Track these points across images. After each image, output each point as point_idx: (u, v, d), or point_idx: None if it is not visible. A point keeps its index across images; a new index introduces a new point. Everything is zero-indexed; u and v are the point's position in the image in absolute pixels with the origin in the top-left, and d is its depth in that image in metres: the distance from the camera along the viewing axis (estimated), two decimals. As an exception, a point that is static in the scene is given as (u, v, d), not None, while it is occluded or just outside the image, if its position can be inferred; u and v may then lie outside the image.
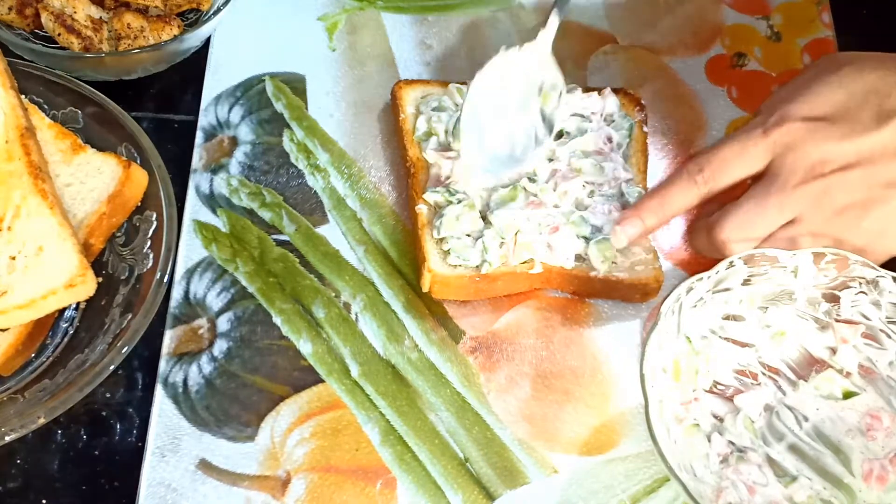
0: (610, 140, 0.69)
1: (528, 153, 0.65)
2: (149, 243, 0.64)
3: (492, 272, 0.64)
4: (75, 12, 0.74)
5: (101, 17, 0.75)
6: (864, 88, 0.59)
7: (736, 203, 0.60)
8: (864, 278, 0.60)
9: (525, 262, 0.64)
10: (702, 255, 0.66)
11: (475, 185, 0.65)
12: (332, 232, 0.69)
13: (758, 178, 0.60)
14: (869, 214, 0.58)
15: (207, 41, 0.77)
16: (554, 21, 0.64)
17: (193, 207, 0.70)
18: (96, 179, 0.65)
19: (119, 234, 0.66)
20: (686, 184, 0.61)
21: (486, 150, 0.65)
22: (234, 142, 0.73)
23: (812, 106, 0.59)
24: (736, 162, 0.60)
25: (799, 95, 0.60)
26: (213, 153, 0.72)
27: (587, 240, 0.65)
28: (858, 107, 0.58)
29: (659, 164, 0.72)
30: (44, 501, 0.59)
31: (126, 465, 0.60)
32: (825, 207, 0.58)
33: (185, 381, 0.63)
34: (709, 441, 0.60)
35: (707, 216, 0.63)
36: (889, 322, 0.61)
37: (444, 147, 0.68)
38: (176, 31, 0.75)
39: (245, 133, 0.73)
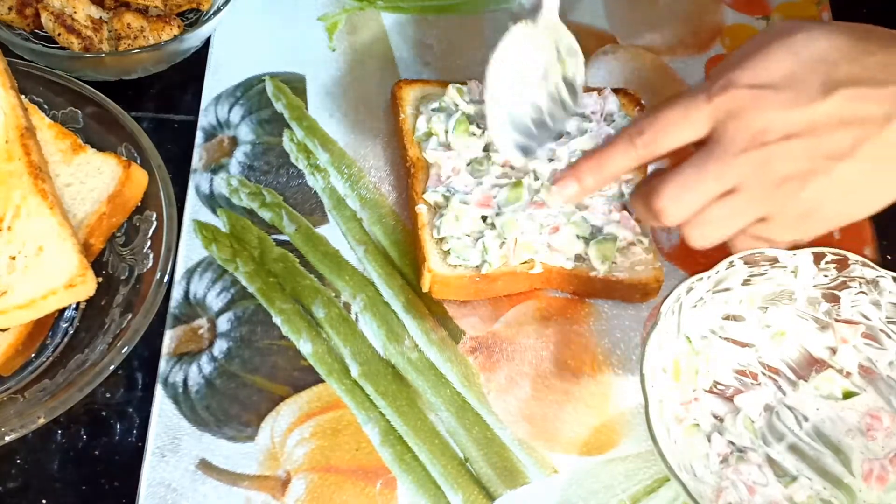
0: (610, 140, 0.69)
1: (558, 120, 0.65)
2: (149, 243, 0.64)
3: (492, 272, 0.64)
4: (75, 12, 0.74)
5: (101, 17, 0.75)
6: (813, 57, 0.56)
7: (674, 169, 0.57)
8: (864, 278, 0.60)
9: (525, 263, 0.64)
10: (696, 251, 0.66)
11: (515, 162, 0.66)
12: (332, 232, 0.69)
13: (700, 145, 0.58)
14: (808, 185, 0.56)
15: (207, 41, 0.77)
16: None
17: (193, 207, 0.70)
18: (96, 179, 0.65)
19: (119, 234, 0.66)
20: (625, 146, 0.59)
21: (516, 126, 0.64)
22: (234, 142, 0.73)
23: (759, 73, 0.57)
24: (677, 126, 0.57)
25: (747, 61, 0.57)
26: (213, 153, 0.72)
27: (587, 240, 0.65)
28: (806, 75, 0.56)
29: (658, 164, 0.72)
30: (44, 501, 0.59)
31: (126, 465, 0.60)
32: (765, 177, 0.56)
33: (185, 381, 0.63)
34: (709, 441, 0.60)
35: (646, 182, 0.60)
36: (889, 322, 0.61)
37: (445, 147, 0.68)
38: (176, 31, 0.75)
39: (245, 133, 0.73)
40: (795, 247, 0.60)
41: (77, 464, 0.60)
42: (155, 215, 0.65)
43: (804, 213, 0.57)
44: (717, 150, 0.56)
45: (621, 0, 0.82)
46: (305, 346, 0.64)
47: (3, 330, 0.61)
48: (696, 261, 0.68)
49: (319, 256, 0.68)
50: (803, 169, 0.55)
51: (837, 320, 0.62)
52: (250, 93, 0.75)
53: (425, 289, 0.65)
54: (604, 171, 0.60)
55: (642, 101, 0.72)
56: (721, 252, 0.69)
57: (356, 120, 0.74)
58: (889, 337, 0.61)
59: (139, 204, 0.66)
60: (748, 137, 0.55)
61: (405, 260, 0.68)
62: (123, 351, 0.59)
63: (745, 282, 0.61)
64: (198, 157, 0.72)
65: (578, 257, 0.65)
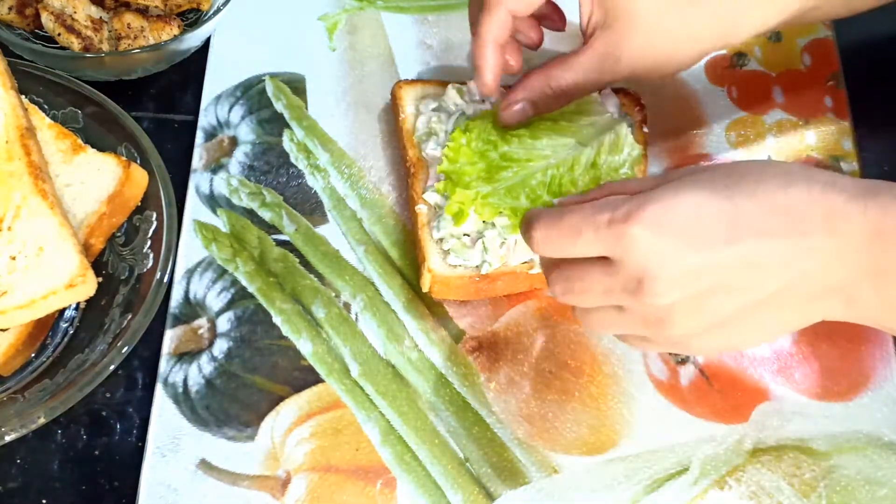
0: (610, 140, 0.69)
1: None
2: (149, 243, 0.64)
3: (492, 272, 0.64)
4: (75, 12, 0.74)
5: (101, 17, 0.75)
6: (721, 205, 0.52)
7: (573, 262, 0.53)
8: None
9: (525, 263, 0.64)
10: None
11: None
12: (332, 232, 0.69)
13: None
14: (697, 318, 0.52)
15: (207, 41, 0.77)
16: None
17: (193, 207, 0.70)
18: (96, 179, 0.65)
19: (119, 234, 0.66)
20: (524, 232, 0.55)
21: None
22: (234, 142, 0.73)
23: (664, 209, 0.51)
24: (570, 241, 0.53)
25: (656, 193, 0.52)
26: (213, 153, 0.72)
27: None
28: (711, 220, 0.51)
29: (659, 165, 0.72)
30: (44, 501, 0.59)
31: (126, 465, 0.60)
32: (648, 312, 0.52)
33: (185, 381, 0.63)
34: None
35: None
36: None
37: (444, 147, 0.68)
38: (176, 31, 0.75)
39: (245, 133, 0.73)
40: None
41: (77, 464, 0.60)
42: (155, 215, 0.65)
43: (682, 346, 0.54)
44: (611, 267, 0.52)
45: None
46: (305, 346, 0.64)
47: (3, 330, 0.61)
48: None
49: (319, 256, 0.68)
50: (692, 308, 0.51)
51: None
52: (250, 93, 0.75)
53: (425, 289, 0.65)
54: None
55: (642, 101, 0.72)
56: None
57: (356, 120, 0.74)
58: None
59: (139, 204, 0.66)
60: (640, 277, 0.50)
61: (405, 260, 0.68)
62: (123, 351, 0.59)
63: None
64: (198, 157, 0.72)
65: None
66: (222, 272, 0.67)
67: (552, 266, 0.54)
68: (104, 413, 0.62)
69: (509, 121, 0.63)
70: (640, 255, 0.50)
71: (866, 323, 0.52)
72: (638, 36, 0.60)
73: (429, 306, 0.66)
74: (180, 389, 0.63)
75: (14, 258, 0.60)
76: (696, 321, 0.51)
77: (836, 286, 0.51)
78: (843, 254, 0.50)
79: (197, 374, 0.63)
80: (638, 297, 0.51)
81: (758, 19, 0.61)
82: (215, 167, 0.72)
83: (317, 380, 0.63)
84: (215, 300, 0.66)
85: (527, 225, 0.53)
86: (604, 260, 0.51)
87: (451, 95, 0.70)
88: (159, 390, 0.62)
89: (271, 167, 0.72)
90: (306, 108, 0.75)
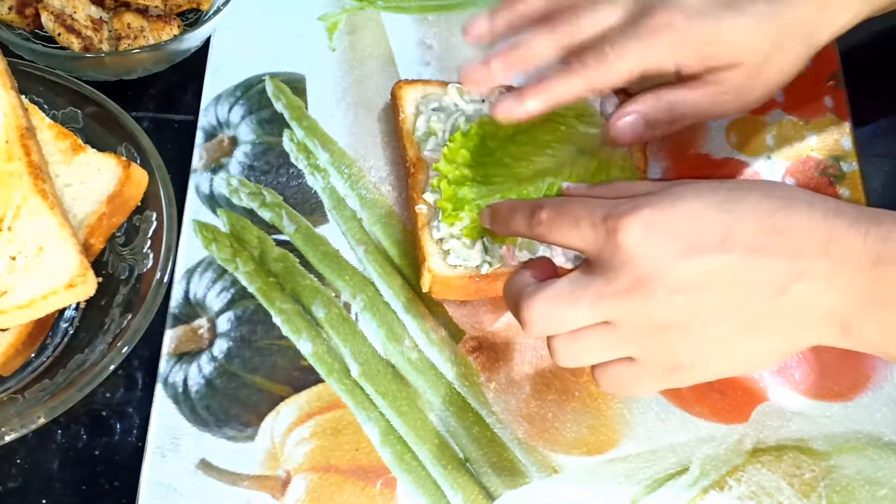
0: (610, 140, 0.69)
1: None
2: (149, 243, 0.64)
3: (492, 272, 0.64)
4: (75, 12, 0.74)
5: (101, 17, 0.75)
6: (721, 210, 0.51)
7: (549, 283, 0.53)
8: None
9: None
10: None
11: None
12: (332, 232, 0.69)
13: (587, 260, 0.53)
14: (684, 341, 0.51)
15: (207, 41, 0.77)
16: None
17: (193, 207, 0.70)
18: (96, 179, 0.65)
19: (119, 234, 0.66)
20: (523, 217, 0.56)
21: None
22: (234, 142, 0.73)
23: (661, 211, 0.51)
24: (566, 231, 0.53)
25: (656, 195, 0.52)
26: (213, 153, 0.72)
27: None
28: (707, 227, 0.51)
29: (659, 164, 0.72)
30: (44, 501, 0.59)
31: (126, 465, 0.60)
32: (642, 323, 0.51)
33: (185, 381, 0.63)
34: None
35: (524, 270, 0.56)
36: None
37: (444, 146, 0.68)
38: (176, 31, 0.75)
39: (245, 133, 0.73)
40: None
41: (77, 464, 0.60)
42: (155, 215, 0.65)
43: (675, 367, 0.52)
44: (599, 280, 0.51)
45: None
46: (305, 346, 0.64)
47: (3, 330, 0.61)
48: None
49: (319, 256, 0.68)
50: (683, 323, 0.51)
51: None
52: (250, 93, 0.75)
53: (425, 289, 0.65)
54: (505, 225, 0.58)
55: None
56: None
57: (356, 120, 0.74)
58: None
59: (139, 204, 0.66)
60: (633, 280, 0.50)
61: (405, 260, 0.68)
62: (123, 351, 0.59)
63: None
64: (198, 157, 0.72)
65: (578, 257, 0.65)
66: (222, 272, 0.67)
67: (552, 338, 0.53)
68: (104, 413, 0.62)
69: (620, 136, 0.61)
70: (629, 253, 0.50)
71: (864, 350, 0.52)
72: (748, 77, 0.61)
73: (429, 306, 0.66)
74: (180, 389, 0.63)
75: (14, 258, 0.60)
76: (703, 339, 0.51)
77: (830, 313, 0.50)
78: (839, 280, 0.49)
79: (197, 374, 0.63)
80: (631, 297, 0.50)
81: (837, 25, 0.62)
82: (215, 167, 0.72)
83: (317, 380, 0.63)
84: (215, 300, 0.66)
85: (535, 207, 0.54)
86: (604, 324, 0.51)
87: (451, 95, 0.71)
88: (159, 390, 0.63)
89: (271, 167, 0.72)
90: (306, 108, 0.75)
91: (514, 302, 0.54)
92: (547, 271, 0.56)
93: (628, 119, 0.61)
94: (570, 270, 0.64)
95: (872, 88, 0.77)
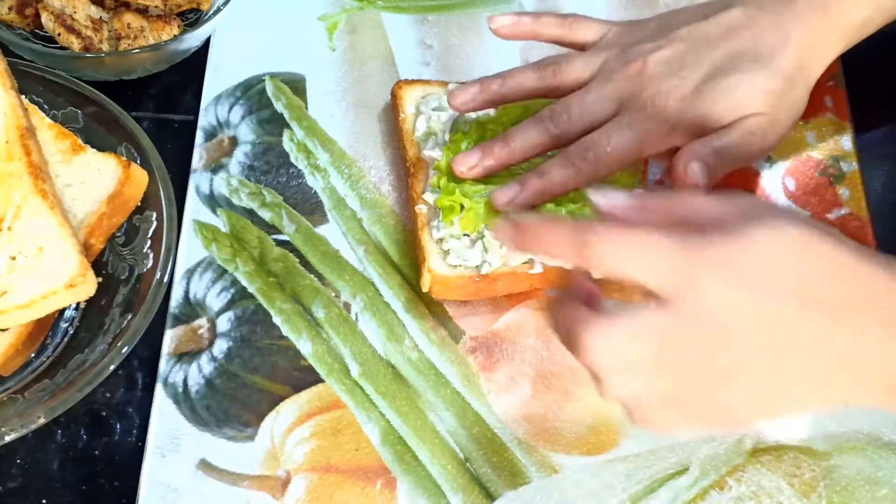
0: (610, 140, 0.69)
1: None
2: (149, 243, 0.64)
3: (492, 272, 0.64)
4: (75, 12, 0.74)
5: (101, 17, 0.75)
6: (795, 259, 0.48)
7: (614, 319, 0.48)
8: None
9: (525, 263, 0.64)
10: None
11: None
12: (332, 232, 0.69)
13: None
14: (732, 383, 0.48)
15: (207, 41, 0.77)
16: None
17: (193, 207, 0.70)
18: (96, 179, 0.65)
19: (119, 234, 0.66)
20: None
21: None
22: (234, 142, 0.73)
23: (733, 254, 0.48)
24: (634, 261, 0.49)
25: (722, 237, 0.48)
26: (213, 153, 0.72)
27: (587, 240, 0.65)
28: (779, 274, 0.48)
29: (659, 164, 0.72)
30: (44, 501, 0.59)
31: (126, 465, 0.60)
32: (699, 369, 0.48)
33: (185, 381, 0.63)
34: None
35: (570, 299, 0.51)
36: None
37: (444, 146, 0.68)
38: (176, 31, 0.75)
39: (245, 133, 0.73)
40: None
41: (77, 464, 0.60)
42: (155, 215, 0.65)
43: (717, 407, 0.49)
44: (669, 321, 0.47)
45: (621, 0, 0.82)
46: (305, 346, 0.64)
47: (3, 330, 0.61)
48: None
49: (319, 256, 0.68)
50: (742, 369, 0.47)
51: None
52: (250, 93, 0.75)
53: (425, 289, 0.65)
54: (537, 244, 0.51)
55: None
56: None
57: (356, 120, 0.74)
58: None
59: (139, 204, 0.66)
60: (708, 330, 0.47)
61: (405, 260, 0.68)
62: (123, 351, 0.59)
63: None
64: (198, 157, 0.72)
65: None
66: (222, 272, 0.67)
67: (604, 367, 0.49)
68: (104, 413, 0.62)
69: (689, 183, 0.61)
70: (708, 307, 0.46)
71: None
72: (768, 120, 0.63)
73: (429, 306, 0.66)
74: (180, 389, 0.63)
75: (14, 258, 0.60)
76: (741, 384, 0.47)
77: (876, 374, 0.47)
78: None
79: (197, 374, 0.63)
80: (703, 343, 0.47)
81: (831, 58, 0.65)
82: (215, 167, 0.72)
83: (317, 380, 0.63)
84: (215, 300, 0.66)
85: (584, 229, 0.48)
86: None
87: (451, 95, 0.70)
88: (159, 390, 0.62)
89: (271, 167, 0.72)
90: (306, 108, 0.75)
91: (567, 331, 0.50)
92: (592, 295, 0.52)
93: (695, 167, 0.61)
94: (571, 270, 0.65)
95: (873, 89, 0.77)
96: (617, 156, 0.62)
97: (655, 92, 0.63)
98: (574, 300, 0.51)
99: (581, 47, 0.68)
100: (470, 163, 0.63)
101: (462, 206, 0.63)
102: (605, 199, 0.50)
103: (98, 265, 0.64)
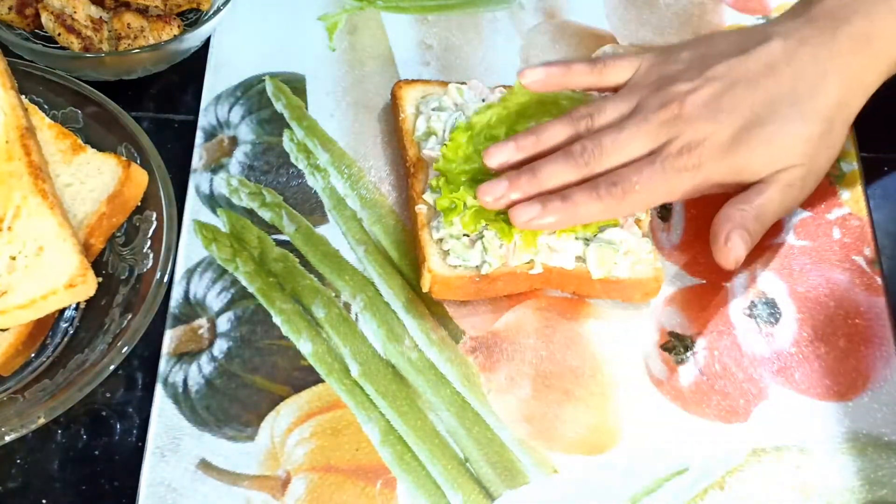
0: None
1: None
2: (149, 243, 0.64)
3: (492, 272, 0.64)
4: (75, 12, 0.74)
5: (101, 17, 0.75)
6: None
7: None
8: None
9: (525, 263, 0.64)
10: (695, 251, 0.65)
11: None
12: (332, 232, 0.69)
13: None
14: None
15: (207, 41, 0.77)
16: None
17: (193, 207, 0.70)
18: (96, 179, 0.65)
19: (119, 234, 0.66)
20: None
21: None
22: (234, 142, 0.73)
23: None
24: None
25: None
26: (213, 153, 0.72)
27: (587, 241, 0.65)
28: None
29: (659, 164, 0.72)
30: (44, 501, 0.59)
31: (126, 465, 0.60)
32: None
33: (185, 381, 0.63)
34: None
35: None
36: None
37: (444, 146, 0.68)
38: (176, 31, 0.75)
39: (245, 133, 0.73)
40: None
41: (77, 464, 0.60)
42: (155, 215, 0.65)
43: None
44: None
45: (621, 0, 0.82)
46: (305, 346, 0.64)
47: (3, 330, 0.61)
48: (695, 260, 0.68)
49: (319, 256, 0.68)
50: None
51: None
52: (250, 93, 0.75)
53: (425, 289, 0.65)
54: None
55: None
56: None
57: (356, 120, 0.74)
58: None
59: (139, 204, 0.66)
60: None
61: (405, 260, 0.68)
62: (123, 351, 0.59)
63: None
64: (198, 157, 0.72)
65: (579, 258, 0.65)
66: (222, 272, 0.67)
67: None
68: (104, 413, 0.62)
69: (734, 261, 0.63)
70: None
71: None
72: (807, 169, 0.64)
73: (429, 306, 0.66)
74: (180, 389, 0.63)
75: (14, 258, 0.60)
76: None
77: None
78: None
79: (197, 374, 0.63)
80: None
81: (864, 99, 0.66)
82: (215, 167, 0.72)
83: (317, 380, 0.63)
84: (215, 300, 0.66)
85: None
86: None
87: (451, 95, 0.71)
88: (159, 390, 0.62)
89: (271, 167, 0.72)
90: (306, 108, 0.75)
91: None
92: None
93: (737, 241, 0.62)
94: (570, 270, 0.65)
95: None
96: (644, 196, 0.61)
97: (692, 139, 0.61)
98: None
99: (614, 89, 0.67)
100: (496, 194, 0.62)
101: (465, 205, 0.63)
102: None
103: (98, 265, 0.64)
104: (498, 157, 0.63)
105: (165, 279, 0.62)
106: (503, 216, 0.62)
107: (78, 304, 0.64)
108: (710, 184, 0.63)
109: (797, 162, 0.63)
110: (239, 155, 0.73)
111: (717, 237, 0.63)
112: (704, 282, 0.67)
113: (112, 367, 0.59)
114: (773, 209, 0.63)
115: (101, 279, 0.62)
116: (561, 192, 0.62)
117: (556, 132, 0.64)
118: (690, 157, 0.61)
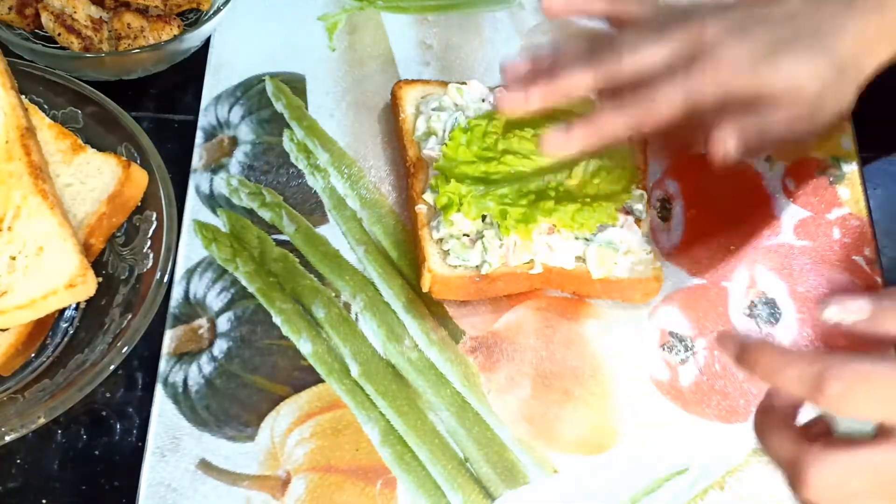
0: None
1: None
2: (149, 243, 0.64)
3: (492, 273, 0.64)
4: (75, 12, 0.74)
5: (101, 17, 0.75)
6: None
7: (842, 452, 0.48)
8: None
9: (525, 263, 0.64)
10: (696, 251, 0.65)
11: None
12: (332, 232, 0.69)
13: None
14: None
15: (207, 41, 0.77)
16: None
17: (193, 207, 0.70)
18: (96, 179, 0.65)
19: (119, 234, 0.66)
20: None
21: None
22: (234, 142, 0.73)
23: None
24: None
25: None
26: (213, 153, 0.72)
27: (587, 241, 0.65)
28: None
29: (659, 164, 0.72)
30: (44, 501, 0.59)
31: (126, 465, 0.60)
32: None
33: (185, 381, 0.63)
34: None
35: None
36: None
37: (444, 146, 0.68)
38: (176, 31, 0.75)
39: (245, 133, 0.73)
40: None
41: (77, 464, 0.60)
42: (155, 215, 0.65)
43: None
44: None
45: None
46: (305, 346, 0.64)
47: (3, 330, 0.61)
48: (696, 260, 0.68)
49: (319, 256, 0.68)
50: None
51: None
52: (250, 93, 0.75)
53: (425, 289, 0.65)
54: (768, 375, 0.50)
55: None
56: (724, 252, 0.69)
57: (356, 120, 0.74)
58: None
59: (139, 204, 0.66)
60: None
61: (405, 260, 0.68)
62: (123, 351, 0.59)
63: None
64: (198, 157, 0.72)
65: (578, 258, 0.65)
66: (222, 272, 0.67)
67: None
68: (104, 413, 0.62)
69: (721, 155, 0.61)
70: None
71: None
72: (815, 102, 0.62)
73: (429, 306, 0.66)
74: (180, 389, 0.63)
75: (14, 258, 0.60)
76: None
77: None
78: None
79: (197, 374, 0.63)
80: None
81: (881, 59, 0.63)
82: (215, 167, 0.72)
83: (317, 380, 0.63)
84: (215, 300, 0.66)
85: (822, 372, 0.47)
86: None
87: (451, 95, 0.71)
88: (159, 390, 0.62)
89: (271, 167, 0.72)
90: (306, 108, 0.75)
91: (789, 463, 0.50)
92: (796, 406, 0.52)
93: (733, 133, 0.60)
94: (570, 270, 0.64)
95: (873, 88, 0.77)
96: (664, 107, 0.59)
97: (712, 56, 0.60)
98: (786, 418, 0.51)
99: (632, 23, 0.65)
100: (515, 98, 0.59)
101: (459, 200, 0.63)
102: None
103: (98, 265, 0.64)
104: (514, 68, 0.61)
105: (165, 279, 0.62)
106: (503, 197, 0.62)
107: (78, 304, 0.64)
108: (728, 104, 0.60)
109: (811, 93, 0.61)
110: (239, 155, 0.73)
111: (717, 131, 0.60)
112: (704, 282, 0.67)
113: (112, 367, 0.59)
114: (778, 130, 0.61)
115: (101, 279, 0.62)
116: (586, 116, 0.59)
117: (574, 52, 0.62)
118: (710, 73, 0.59)
